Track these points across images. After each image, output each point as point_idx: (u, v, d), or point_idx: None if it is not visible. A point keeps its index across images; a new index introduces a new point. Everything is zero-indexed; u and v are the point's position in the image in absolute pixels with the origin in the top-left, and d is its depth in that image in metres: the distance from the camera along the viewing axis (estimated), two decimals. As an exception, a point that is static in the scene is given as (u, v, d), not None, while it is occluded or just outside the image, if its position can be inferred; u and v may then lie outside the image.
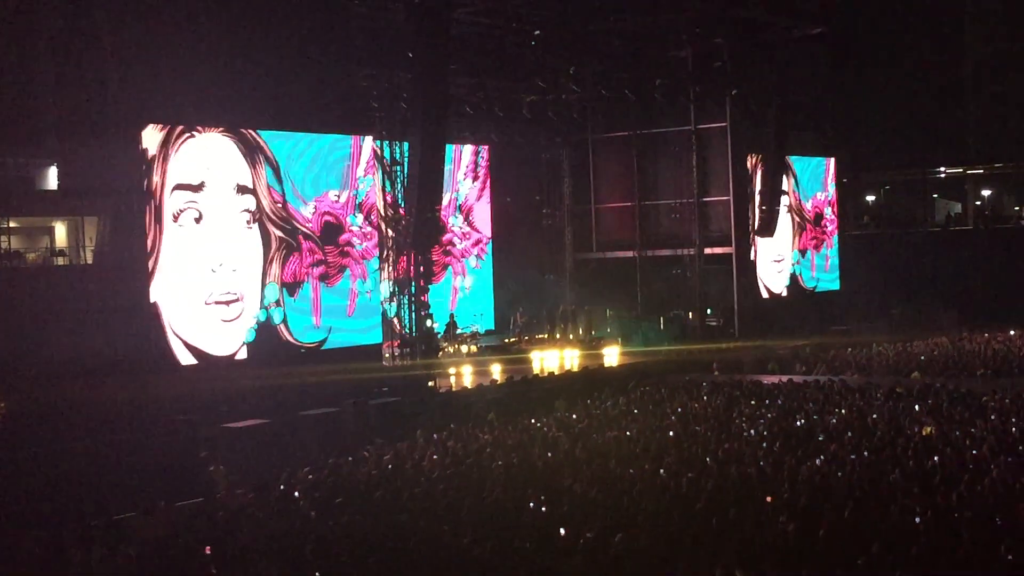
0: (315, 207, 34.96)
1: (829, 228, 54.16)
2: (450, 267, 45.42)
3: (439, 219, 35.12)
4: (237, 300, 32.59)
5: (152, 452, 24.73)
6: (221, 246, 32.18)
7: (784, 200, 48.29)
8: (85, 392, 26.02)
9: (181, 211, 31.18)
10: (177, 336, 31.02)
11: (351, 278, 35.92)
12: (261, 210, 33.13)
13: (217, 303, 32.11)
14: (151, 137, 30.41)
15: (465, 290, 45.97)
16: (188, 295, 31.42)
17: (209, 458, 23.97)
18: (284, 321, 33.75)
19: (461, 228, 46.10)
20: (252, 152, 33.03)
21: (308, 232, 34.62)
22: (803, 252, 51.89)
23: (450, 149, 44.38)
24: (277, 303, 33.56)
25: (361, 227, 36.42)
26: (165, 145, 30.71)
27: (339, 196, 35.88)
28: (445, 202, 44.51)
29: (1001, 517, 15.40)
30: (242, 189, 32.73)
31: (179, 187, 31.16)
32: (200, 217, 31.61)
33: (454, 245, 45.63)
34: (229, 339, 32.44)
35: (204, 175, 31.71)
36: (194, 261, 31.51)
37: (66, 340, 26.93)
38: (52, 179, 30.13)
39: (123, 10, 29.40)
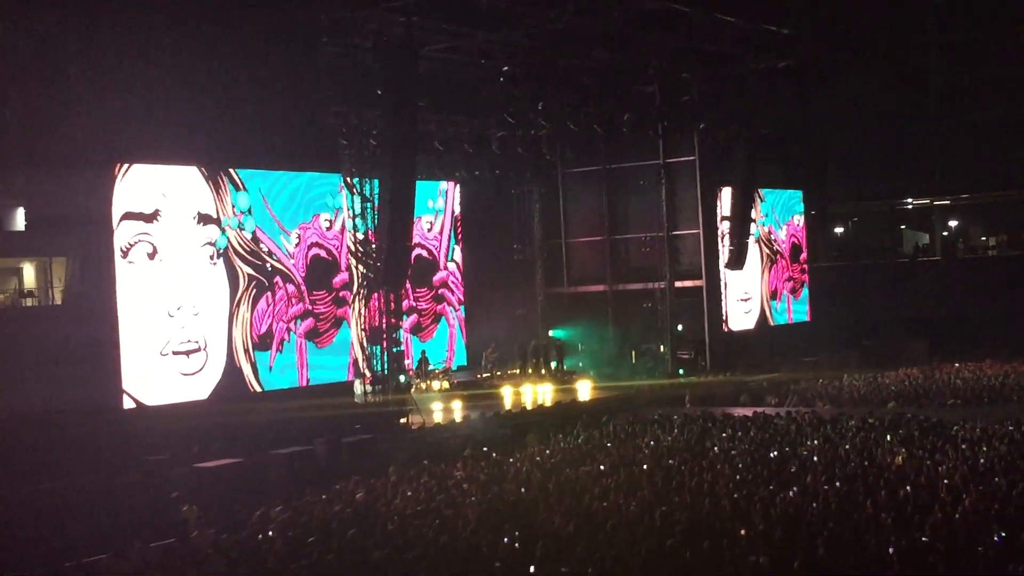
0: (299, 236, 31.17)
1: (805, 267, 53.36)
2: (444, 317, 44.70)
3: (410, 256, 35.00)
4: (198, 350, 29.13)
5: (124, 493, 24.53)
6: (179, 286, 28.60)
7: (754, 230, 48.30)
8: (56, 433, 25.80)
9: (131, 245, 27.55)
10: (128, 395, 27.57)
11: (351, 333, 31.52)
12: (227, 243, 30.01)
13: (175, 353, 28.49)
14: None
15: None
16: (141, 344, 27.72)
17: (181, 498, 23.77)
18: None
19: (451, 271, 45.74)
20: (215, 175, 29.63)
21: (288, 271, 30.89)
22: (775, 294, 50.83)
23: (435, 186, 44.37)
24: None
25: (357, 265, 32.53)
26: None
27: (332, 222, 32.20)
28: (428, 230, 44.41)
29: (977, 545, 15.45)
30: (204, 219, 29.09)
31: (128, 216, 27.56)
32: (154, 252, 28.01)
33: (450, 289, 45.17)
34: (190, 395, 28.93)
35: (158, 202, 28.18)
36: (147, 304, 27.76)
37: (36, 381, 26.64)
38: (20, 220, 29.85)
39: (90, 46, 29.13)
